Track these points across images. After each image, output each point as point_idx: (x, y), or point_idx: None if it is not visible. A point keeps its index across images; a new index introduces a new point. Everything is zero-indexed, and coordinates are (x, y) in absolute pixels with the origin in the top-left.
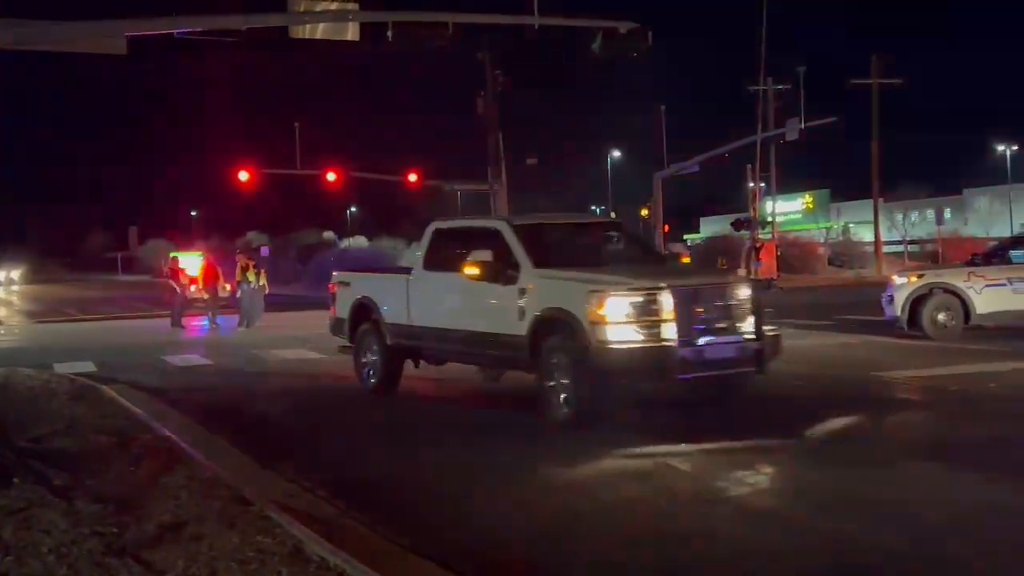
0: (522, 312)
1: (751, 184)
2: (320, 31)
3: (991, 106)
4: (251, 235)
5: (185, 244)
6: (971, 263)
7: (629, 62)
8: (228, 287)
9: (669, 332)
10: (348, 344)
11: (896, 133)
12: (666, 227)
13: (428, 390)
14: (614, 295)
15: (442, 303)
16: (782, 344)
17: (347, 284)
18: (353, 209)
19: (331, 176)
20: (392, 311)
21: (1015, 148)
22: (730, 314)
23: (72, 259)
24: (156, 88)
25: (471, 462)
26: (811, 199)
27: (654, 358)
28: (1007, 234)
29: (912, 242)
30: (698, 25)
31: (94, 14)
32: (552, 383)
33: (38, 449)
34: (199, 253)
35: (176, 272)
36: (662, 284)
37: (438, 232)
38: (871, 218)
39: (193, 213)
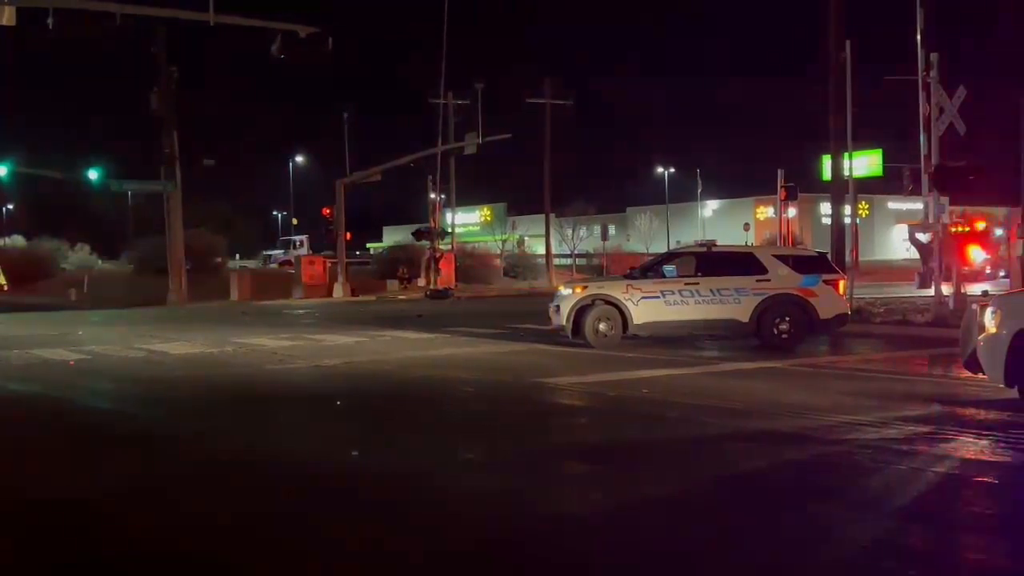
0: None
1: (432, 195)
2: None
3: (654, 131)
4: None
5: None
6: (629, 276)
7: (315, 67)
8: None
9: None
10: None
11: (569, 152)
12: (348, 235)
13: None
14: None
15: None
16: None
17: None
18: (9, 207)
19: None
20: None
21: (672, 171)
22: None
23: None
24: None
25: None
26: (489, 212)
27: None
28: (664, 250)
29: (580, 255)
30: (391, 35)
31: None
32: None
33: None
34: None
35: None
36: None
37: None
38: (544, 231)
39: None
